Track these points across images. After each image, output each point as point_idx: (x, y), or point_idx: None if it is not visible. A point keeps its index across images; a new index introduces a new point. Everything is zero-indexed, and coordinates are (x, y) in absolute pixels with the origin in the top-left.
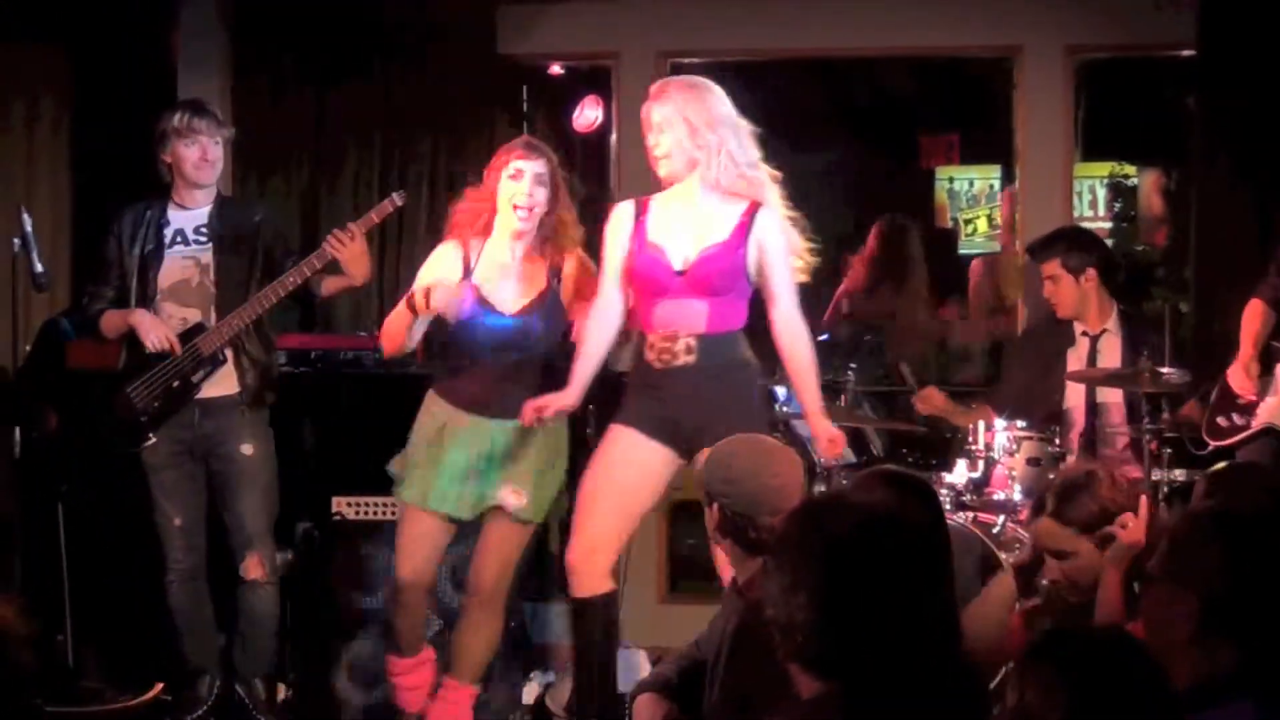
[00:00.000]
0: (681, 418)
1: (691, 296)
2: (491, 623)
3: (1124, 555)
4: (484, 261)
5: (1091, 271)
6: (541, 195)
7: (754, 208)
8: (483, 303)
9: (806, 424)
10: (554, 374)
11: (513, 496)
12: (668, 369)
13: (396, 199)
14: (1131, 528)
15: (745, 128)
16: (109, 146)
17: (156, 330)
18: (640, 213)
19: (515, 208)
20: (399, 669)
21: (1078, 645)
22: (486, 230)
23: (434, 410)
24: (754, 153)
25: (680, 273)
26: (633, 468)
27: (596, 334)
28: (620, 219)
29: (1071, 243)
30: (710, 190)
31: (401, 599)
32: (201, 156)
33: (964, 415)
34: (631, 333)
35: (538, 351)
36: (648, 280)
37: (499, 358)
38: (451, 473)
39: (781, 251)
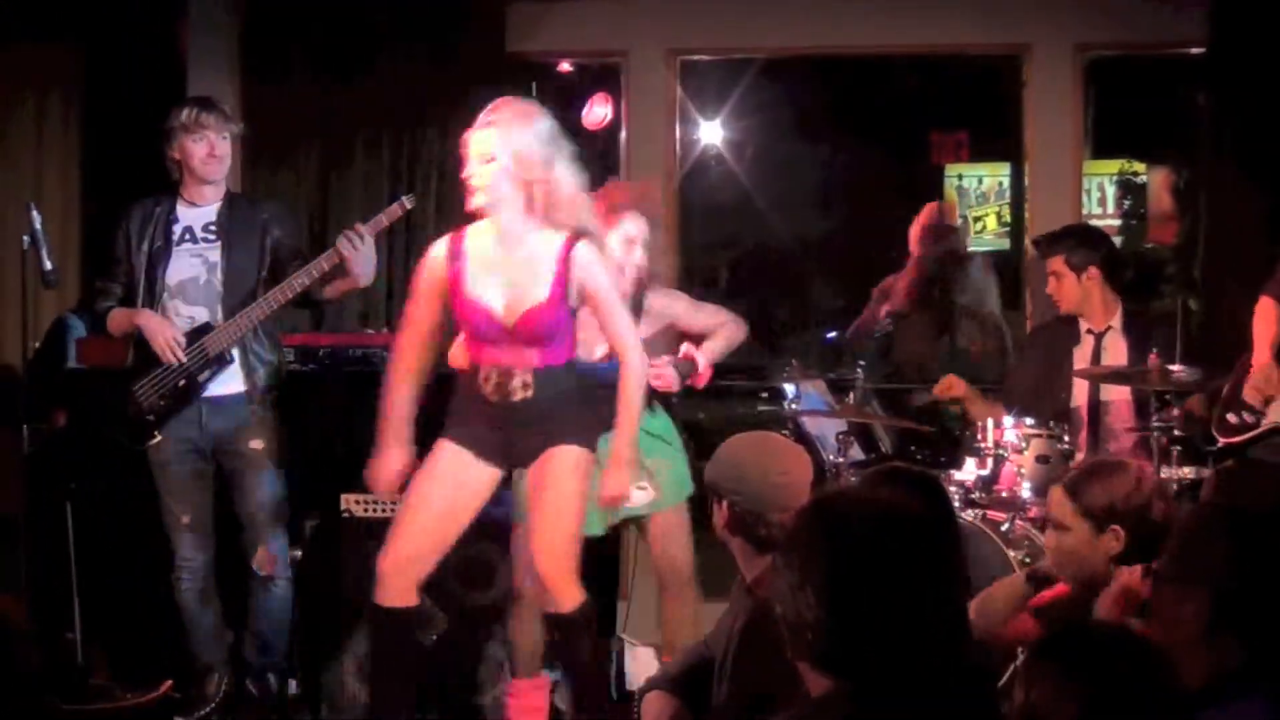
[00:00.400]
0: (516, 440)
1: (520, 345)
2: (694, 602)
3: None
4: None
5: (1094, 269)
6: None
7: (570, 244)
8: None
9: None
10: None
11: (641, 494)
12: (505, 403)
13: (406, 202)
14: (1126, 576)
15: (567, 151)
16: (118, 143)
17: (163, 333)
18: (455, 256)
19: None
20: (514, 690)
21: (1086, 644)
22: None
23: None
24: (575, 179)
25: (506, 328)
26: (460, 488)
27: (408, 389)
28: (435, 264)
29: (1077, 239)
30: (526, 226)
31: (519, 612)
32: (209, 152)
33: (983, 404)
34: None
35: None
36: (474, 330)
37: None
38: None
39: (604, 288)
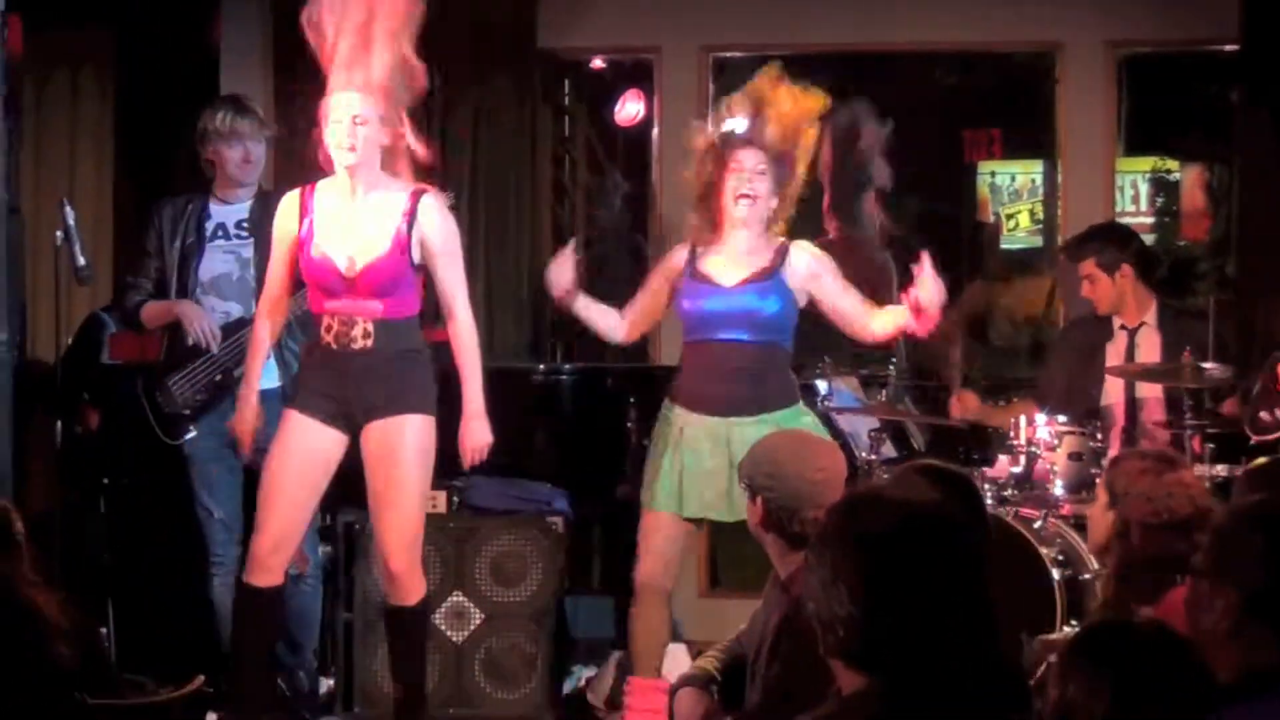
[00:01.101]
0: (354, 397)
1: (363, 297)
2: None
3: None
4: (709, 254)
5: (1126, 267)
6: (762, 186)
7: (416, 197)
8: (702, 279)
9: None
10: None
11: None
12: (345, 351)
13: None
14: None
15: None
16: (152, 140)
17: (200, 321)
18: (305, 213)
19: (739, 197)
20: (632, 688)
21: (1120, 639)
22: (717, 229)
23: (668, 415)
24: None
25: (348, 279)
26: (308, 455)
27: (265, 332)
28: (287, 213)
29: (1104, 240)
30: (379, 179)
31: (638, 603)
32: (244, 158)
33: (1000, 415)
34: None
35: (767, 337)
36: (317, 282)
37: (726, 352)
38: (694, 475)
39: (440, 243)
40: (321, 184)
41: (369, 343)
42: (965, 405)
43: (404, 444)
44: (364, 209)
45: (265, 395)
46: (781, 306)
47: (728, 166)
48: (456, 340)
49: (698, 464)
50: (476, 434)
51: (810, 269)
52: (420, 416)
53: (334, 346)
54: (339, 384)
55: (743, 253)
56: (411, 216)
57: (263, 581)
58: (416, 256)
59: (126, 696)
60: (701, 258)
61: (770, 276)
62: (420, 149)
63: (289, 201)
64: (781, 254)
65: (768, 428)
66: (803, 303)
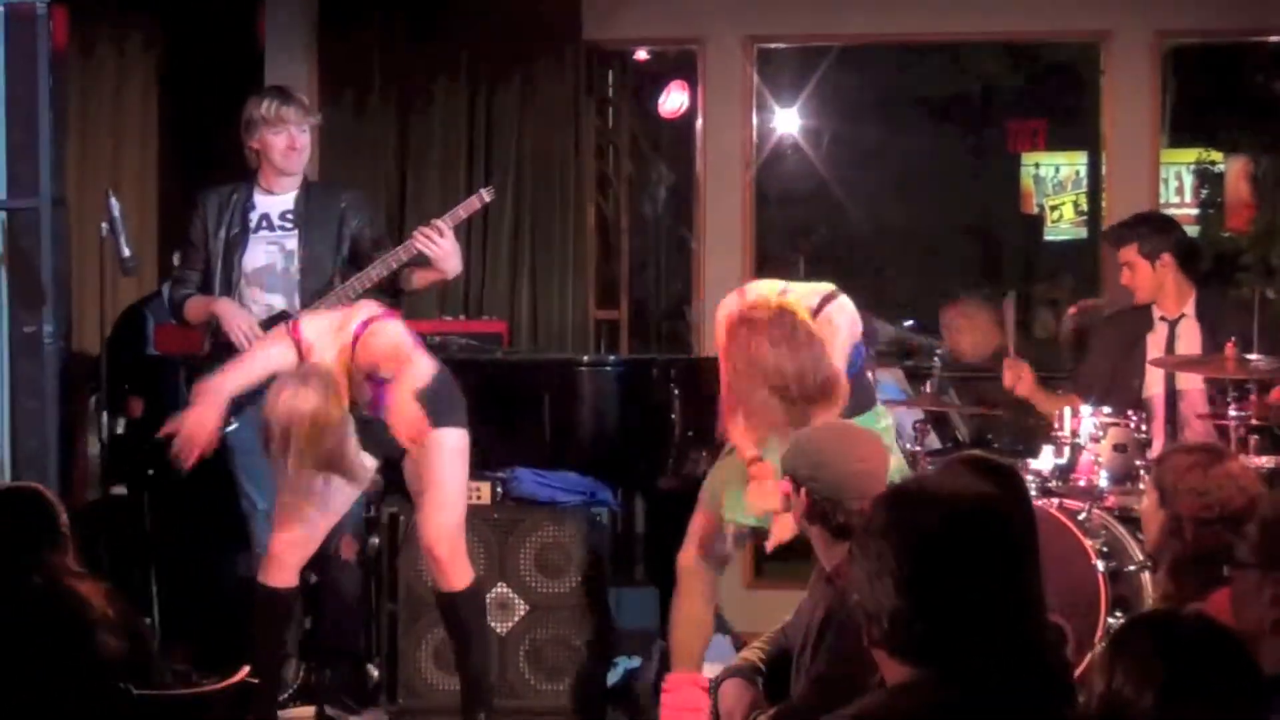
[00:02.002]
0: (379, 437)
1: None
2: None
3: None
4: None
5: (1167, 256)
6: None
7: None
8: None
9: None
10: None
11: None
12: (363, 414)
13: (485, 195)
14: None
15: None
16: (196, 131)
17: (239, 321)
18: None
19: None
20: (670, 684)
21: (1165, 630)
22: None
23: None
24: None
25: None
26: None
27: None
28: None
29: (1147, 227)
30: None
31: (678, 590)
32: (289, 145)
33: (1049, 401)
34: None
35: None
36: None
37: None
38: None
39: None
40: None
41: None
42: (1019, 375)
43: (438, 454)
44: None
45: None
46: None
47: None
48: None
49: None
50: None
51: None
52: (452, 430)
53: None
54: (365, 430)
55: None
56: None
57: (270, 581)
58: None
59: (171, 687)
60: None
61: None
62: None
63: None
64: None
65: None
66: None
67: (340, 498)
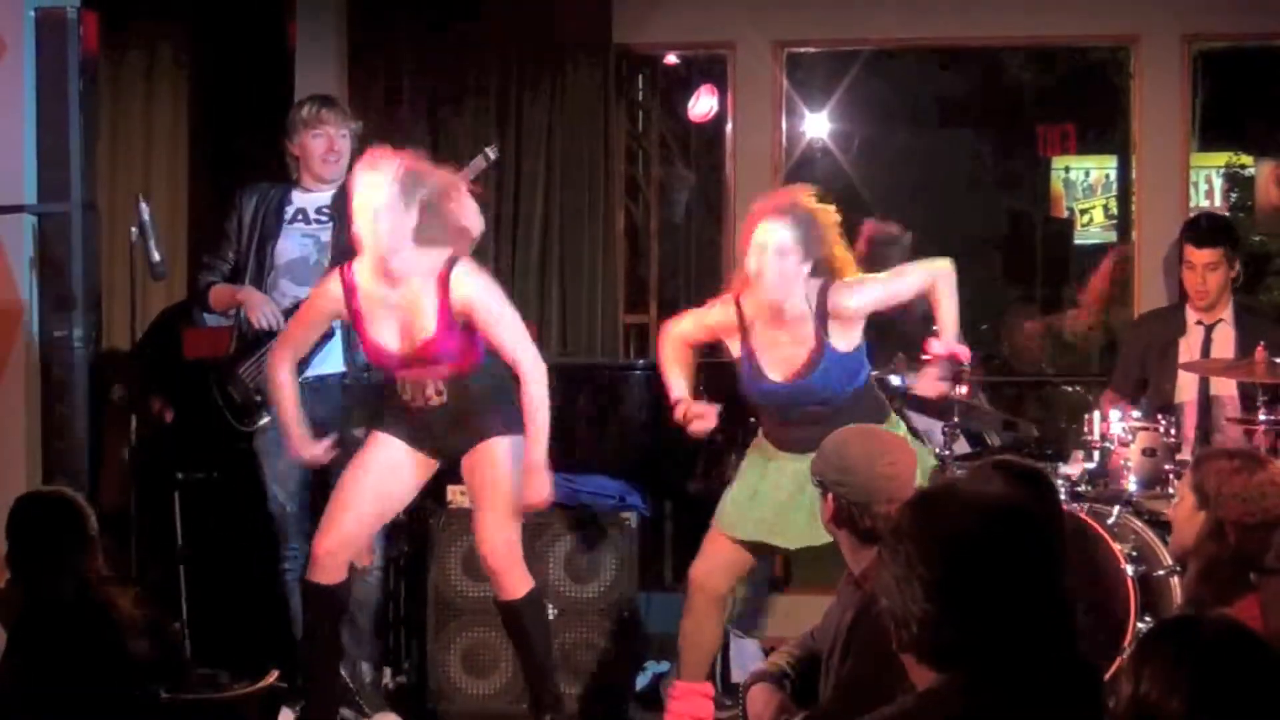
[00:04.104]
0: (440, 440)
1: (429, 366)
2: None
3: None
4: (758, 326)
5: (1238, 263)
6: (779, 264)
7: (446, 271)
8: (756, 372)
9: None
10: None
11: None
12: (425, 407)
13: (490, 153)
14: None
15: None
16: (227, 136)
17: (264, 307)
18: (350, 291)
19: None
20: (676, 692)
21: (1193, 635)
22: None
23: (763, 444)
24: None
25: (406, 359)
26: (392, 474)
27: (287, 374)
28: (331, 293)
29: (1233, 232)
30: (403, 258)
31: (689, 601)
32: (329, 148)
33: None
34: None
35: (840, 392)
36: (378, 363)
37: (803, 416)
38: (770, 502)
39: (482, 305)
40: (356, 265)
41: (443, 399)
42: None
43: (495, 463)
44: (404, 294)
45: (329, 381)
46: (840, 373)
47: (757, 235)
48: (525, 390)
49: (773, 494)
50: (536, 488)
51: (851, 301)
52: (507, 438)
53: (413, 406)
54: (425, 428)
55: (783, 343)
56: (446, 288)
57: (319, 579)
58: (462, 322)
59: (201, 691)
60: (751, 329)
61: (816, 364)
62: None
63: (333, 281)
64: (821, 322)
65: None
66: (864, 317)
67: (392, 500)
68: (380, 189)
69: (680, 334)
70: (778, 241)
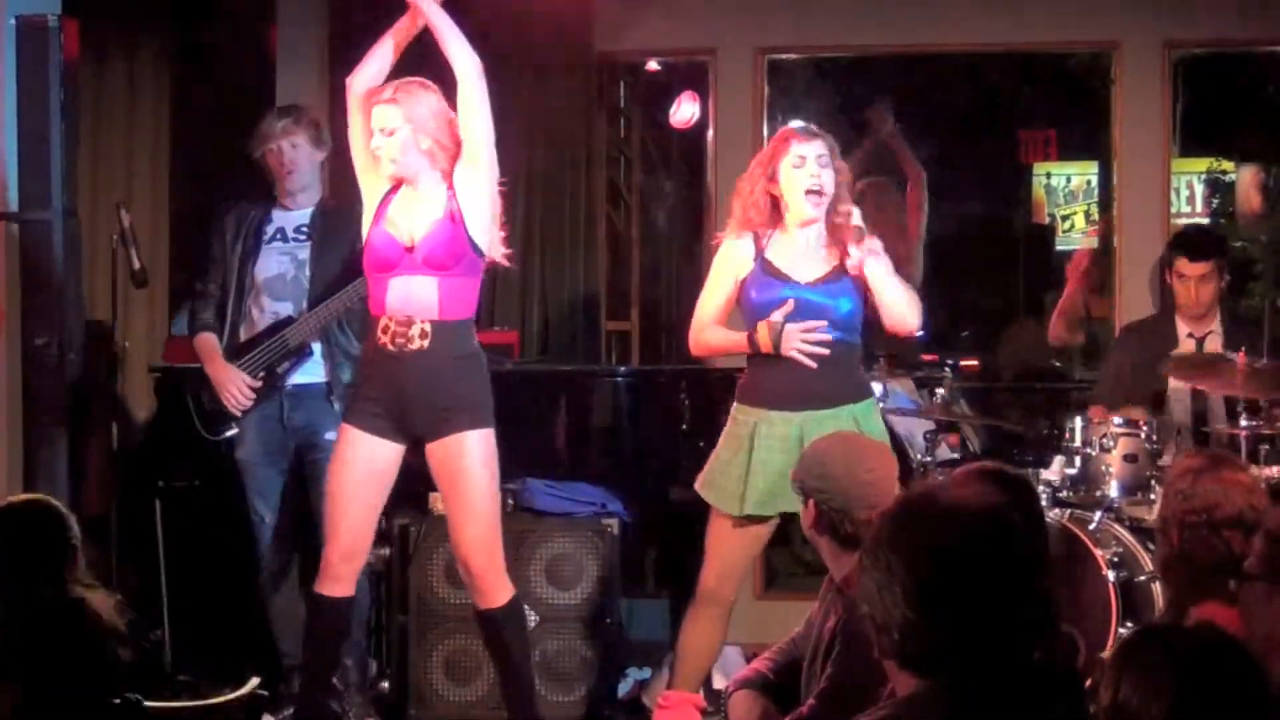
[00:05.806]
0: (411, 409)
1: (421, 268)
2: None
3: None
4: (775, 247)
5: (1226, 274)
6: (829, 179)
7: (453, 171)
8: (773, 272)
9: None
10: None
11: None
12: (402, 353)
13: None
14: None
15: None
16: (208, 144)
17: (230, 387)
18: (378, 219)
19: (807, 193)
20: (666, 701)
21: (1175, 642)
22: (776, 220)
23: (740, 418)
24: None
25: (407, 249)
26: (365, 468)
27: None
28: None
29: (1224, 244)
30: (431, 178)
31: (694, 610)
32: (278, 162)
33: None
34: None
35: (840, 334)
36: (379, 261)
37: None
38: (766, 472)
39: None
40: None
41: (425, 343)
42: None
43: (468, 460)
44: (420, 194)
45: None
46: (853, 304)
47: (790, 159)
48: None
49: (767, 463)
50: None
51: (863, 253)
52: (479, 432)
53: (390, 348)
54: (397, 394)
55: (813, 247)
56: (451, 181)
57: (332, 591)
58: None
59: (181, 699)
60: (768, 248)
61: (841, 275)
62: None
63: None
64: (844, 247)
65: (844, 420)
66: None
67: (380, 490)
68: (424, 112)
69: (707, 321)
70: (818, 152)
